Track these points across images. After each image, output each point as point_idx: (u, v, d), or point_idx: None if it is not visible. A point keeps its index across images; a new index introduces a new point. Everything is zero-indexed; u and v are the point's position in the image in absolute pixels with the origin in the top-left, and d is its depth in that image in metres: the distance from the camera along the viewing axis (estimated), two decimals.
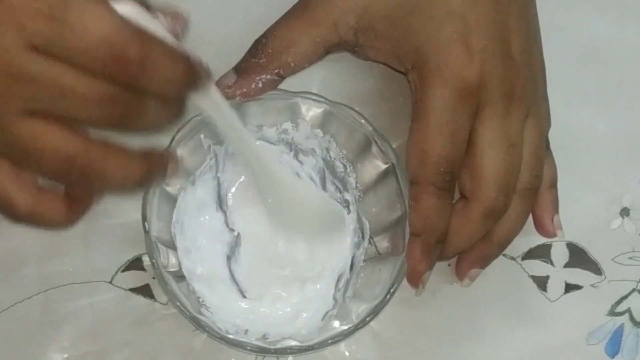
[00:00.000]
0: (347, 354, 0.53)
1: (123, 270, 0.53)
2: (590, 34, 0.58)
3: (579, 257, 0.55)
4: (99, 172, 0.40)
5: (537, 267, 0.55)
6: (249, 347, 0.49)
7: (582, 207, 0.55)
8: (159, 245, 0.49)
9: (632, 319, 0.55)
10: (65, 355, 0.52)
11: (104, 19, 0.37)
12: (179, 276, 0.51)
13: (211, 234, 0.52)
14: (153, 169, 0.43)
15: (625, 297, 0.55)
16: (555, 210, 0.52)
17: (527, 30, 0.49)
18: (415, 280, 0.49)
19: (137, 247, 0.52)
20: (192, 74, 0.40)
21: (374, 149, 0.52)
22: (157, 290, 0.53)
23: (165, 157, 0.44)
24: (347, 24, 0.49)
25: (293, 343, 0.49)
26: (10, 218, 0.42)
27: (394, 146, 0.52)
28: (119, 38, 0.37)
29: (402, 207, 0.51)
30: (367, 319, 0.49)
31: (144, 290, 0.53)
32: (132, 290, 0.53)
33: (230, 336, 0.49)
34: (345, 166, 0.53)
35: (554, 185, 0.52)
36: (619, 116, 0.57)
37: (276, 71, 0.50)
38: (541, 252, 0.55)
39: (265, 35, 0.50)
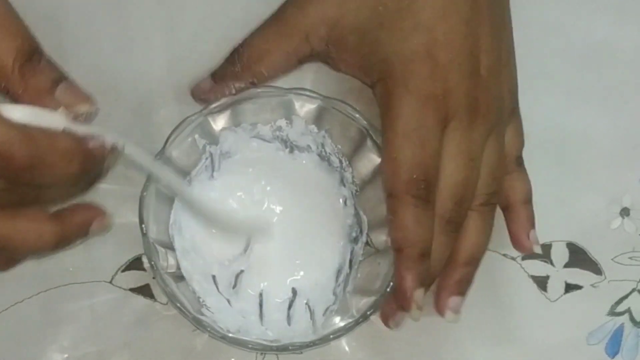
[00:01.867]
0: (347, 352, 0.53)
1: (123, 270, 0.53)
2: (590, 34, 0.58)
3: (579, 257, 0.55)
4: (6, 245, 0.41)
5: (537, 267, 0.55)
6: (250, 346, 0.49)
7: (582, 207, 0.55)
8: (157, 247, 0.49)
9: (632, 319, 0.55)
10: (65, 355, 0.52)
11: None
12: (179, 277, 0.51)
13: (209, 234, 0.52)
14: (68, 235, 0.44)
15: (625, 297, 0.55)
16: (531, 225, 0.52)
17: (499, 50, 0.49)
18: (405, 299, 0.47)
19: (137, 247, 0.52)
20: (91, 165, 0.41)
21: (369, 142, 0.51)
22: (157, 290, 0.53)
23: (88, 218, 0.45)
24: (318, 35, 0.49)
25: (294, 340, 0.49)
26: None
27: None
28: (5, 147, 0.38)
29: None
30: (368, 313, 0.49)
31: (144, 290, 0.53)
32: (132, 290, 0.53)
33: (231, 335, 0.49)
34: (341, 161, 0.53)
35: (528, 201, 0.52)
36: (619, 116, 0.57)
37: (250, 80, 0.51)
38: (541, 252, 0.55)
39: (242, 44, 0.51)
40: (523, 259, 0.55)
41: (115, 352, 0.52)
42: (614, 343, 0.54)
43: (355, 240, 0.53)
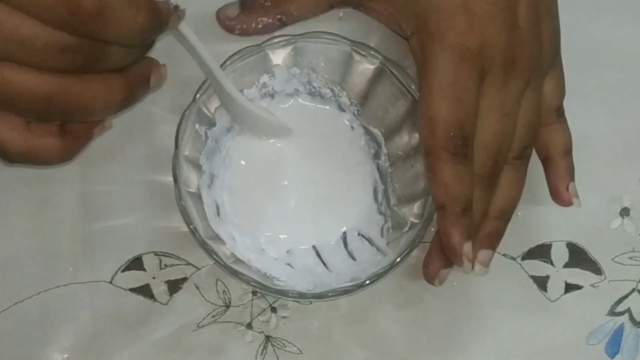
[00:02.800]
0: (347, 353, 0.53)
1: (123, 270, 0.53)
2: (590, 34, 0.58)
3: (579, 257, 0.55)
4: (78, 104, 0.41)
5: (537, 267, 0.55)
6: (331, 294, 0.48)
7: (582, 207, 0.55)
8: (211, 244, 0.49)
9: (632, 319, 0.55)
10: (65, 355, 0.52)
11: None
12: (239, 262, 0.50)
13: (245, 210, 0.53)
14: (133, 87, 0.43)
15: (625, 297, 0.55)
16: (571, 178, 0.52)
17: (537, 1, 0.49)
18: (455, 255, 0.47)
19: (137, 247, 0.53)
20: (157, 19, 0.41)
21: (356, 57, 0.51)
22: (157, 290, 0.53)
23: (146, 69, 0.44)
24: None
25: (370, 271, 0.49)
26: (4, 160, 0.43)
27: (372, 45, 0.52)
28: None
29: (406, 98, 0.51)
30: (431, 211, 0.49)
31: (144, 290, 0.53)
32: (132, 290, 0.53)
33: (315, 292, 0.49)
34: (332, 90, 0.53)
35: (568, 153, 0.52)
36: (619, 116, 0.57)
37: (278, 17, 0.51)
38: (541, 252, 0.55)
39: None
40: (523, 259, 0.55)
41: (115, 352, 0.52)
42: (614, 343, 0.54)
43: (376, 156, 0.53)
